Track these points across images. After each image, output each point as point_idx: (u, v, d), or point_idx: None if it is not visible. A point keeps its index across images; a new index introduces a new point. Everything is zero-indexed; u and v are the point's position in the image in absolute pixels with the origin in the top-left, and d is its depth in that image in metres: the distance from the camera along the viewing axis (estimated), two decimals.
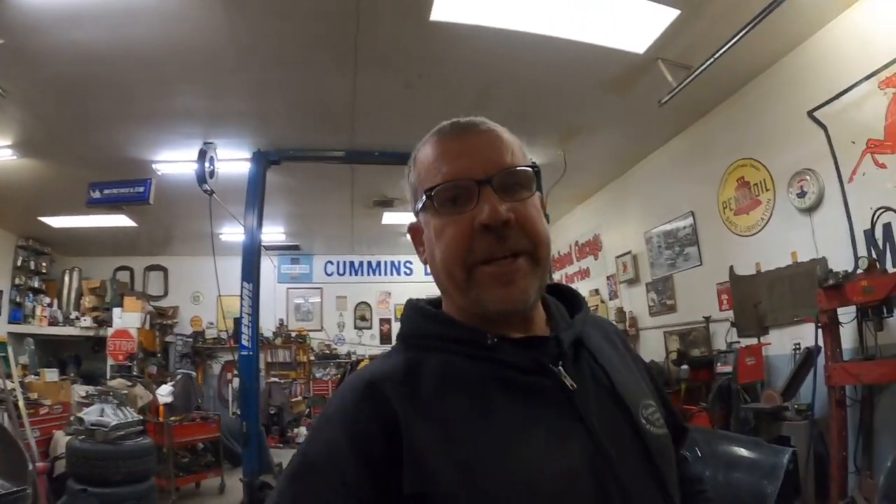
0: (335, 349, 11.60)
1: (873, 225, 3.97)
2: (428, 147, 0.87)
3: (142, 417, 5.76)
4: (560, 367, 0.81)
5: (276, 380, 10.42)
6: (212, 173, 5.71)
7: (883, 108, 3.96)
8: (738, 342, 5.24)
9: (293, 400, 10.31)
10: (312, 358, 11.33)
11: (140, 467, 4.95)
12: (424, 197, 0.84)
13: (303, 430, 9.58)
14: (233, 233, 8.18)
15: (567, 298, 0.98)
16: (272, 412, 9.43)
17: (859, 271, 3.77)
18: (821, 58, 4.46)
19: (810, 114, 4.49)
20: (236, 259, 5.84)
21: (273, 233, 9.74)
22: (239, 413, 6.65)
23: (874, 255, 3.93)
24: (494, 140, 0.85)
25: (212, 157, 5.71)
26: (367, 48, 4.39)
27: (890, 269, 3.83)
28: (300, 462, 0.74)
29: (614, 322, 6.31)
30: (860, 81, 4.08)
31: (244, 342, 5.86)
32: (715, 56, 4.31)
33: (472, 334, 0.82)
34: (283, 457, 6.61)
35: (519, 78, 4.87)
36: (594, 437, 0.76)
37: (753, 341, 4.97)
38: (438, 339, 0.84)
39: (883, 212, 3.87)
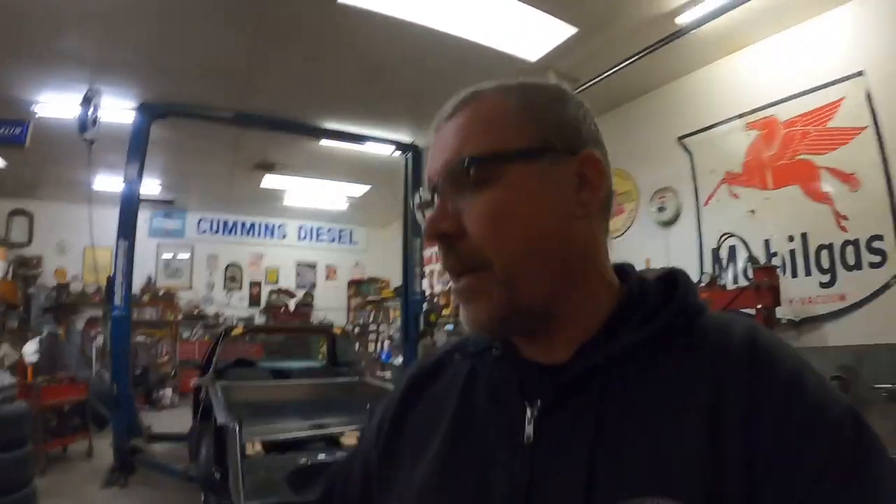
0: (202, 310, 11.09)
1: (719, 246, 4.46)
2: None
3: (16, 380, 5.40)
4: (536, 407, 0.60)
5: (143, 339, 9.92)
6: (94, 121, 5.39)
7: (745, 146, 4.46)
8: None
9: (159, 360, 9.89)
10: (180, 317, 10.77)
11: (17, 433, 4.65)
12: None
13: (169, 393, 9.19)
14: (107, 182, 7.68)
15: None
16: (138, 373, 9.01)
17: (701, 285, 4.13)
18: (698, 92, 4.90)
19: (680, 139, 4.95)
20: (108, 209, 5.54)
21: (148, 185, 9.02)
22: (103, 373, 6.42)
23: (717, 272, 4.42)
24: (458, 128, 0.64)
25: (96, 104, 5.40)
26: (270, 16, 4.32)
27: (730, 285, 4.29)
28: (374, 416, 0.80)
29: None
30: (731, 119, 4.55)
31: (117, 301, 5.65)
32: (602, 75, 4.63)
33: (469, 338, 0.72)
34: (150, 419, 6.41)
35: (412, 65, 4.95)
36: None
37: None
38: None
39: (729, 237, 4.34)
